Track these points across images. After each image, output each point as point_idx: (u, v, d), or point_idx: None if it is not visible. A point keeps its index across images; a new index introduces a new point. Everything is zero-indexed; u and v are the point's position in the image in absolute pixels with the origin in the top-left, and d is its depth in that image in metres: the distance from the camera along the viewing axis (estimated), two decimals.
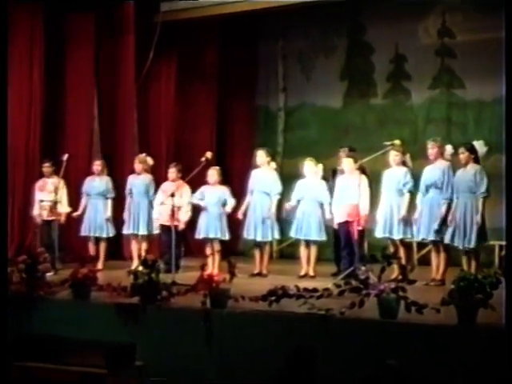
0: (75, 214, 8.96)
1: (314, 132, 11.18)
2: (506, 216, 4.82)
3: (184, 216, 8.51)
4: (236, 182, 9.19)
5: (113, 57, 10.30)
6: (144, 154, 9.09)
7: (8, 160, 9.02)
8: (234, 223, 8.60)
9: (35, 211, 8.99)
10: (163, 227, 8.57)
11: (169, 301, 6.17)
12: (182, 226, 8.45)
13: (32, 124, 9.70)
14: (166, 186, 8.64)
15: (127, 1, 10.06)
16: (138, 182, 8.89)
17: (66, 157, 8.76)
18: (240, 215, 8.37)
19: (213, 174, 8.39)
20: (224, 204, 8.43)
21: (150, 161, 9.01)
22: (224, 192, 8.44)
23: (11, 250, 9.04)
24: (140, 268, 6.33)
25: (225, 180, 8.70)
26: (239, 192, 8.61)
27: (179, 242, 8.32)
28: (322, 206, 8.26)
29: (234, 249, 9.99)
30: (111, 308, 6.23)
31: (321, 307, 5.52)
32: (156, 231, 8.83)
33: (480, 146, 7.85)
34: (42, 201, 8.89)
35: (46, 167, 9.01)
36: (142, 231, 8.80)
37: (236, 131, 11.44)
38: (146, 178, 8.90)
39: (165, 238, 8.57)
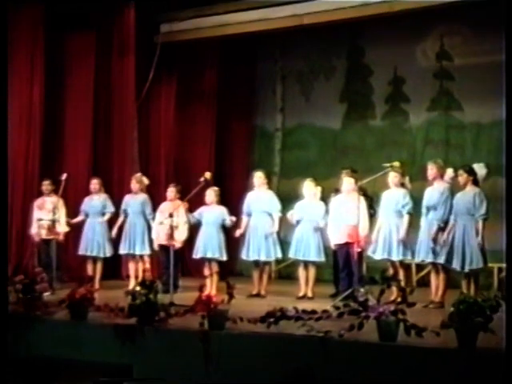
0: (73, 220, 8.87)
1: (312, 153, 11.21)
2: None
3: (181, 235, 8.47)
4: (234, 202, 9.22)
5: (113, 76, 10.38)
6: (140, 174, 9.16)
7: (8, 180, 9.20)
8: (232, 243, 8.61)
9: (33, 230, 8.98)
10: (161, 247, 8.58)
11: (166, 322, 6.11)
12: (178, 244, 8.38)
13: (31, 142, 9.74)
14: (165, 206, 8.64)
15: (128, 22, 10.16)
16: (134, 202, 8.91)
17: (64, 176, 8.79)
18: (238, 234, 8.36)
19: (210, 194, 8.37)
20: (222, 224, 8.44)
21: (145, 180, 9.02)
22: (222, 212, 8.43)
23: (9, 270, 8.90)
24: (138, 288, 6.27)
25: (222, 200, 8.71)
26: (237, 212, 8.58)
27: (177, 262, 8.31)
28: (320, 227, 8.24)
29: (232, 269, 9.98)
30: (109, 329, 6.16)
31: (319, 329, 5.47)
32: (152, 251, 8.85)
33: (480, 168, 7.78)
34: (40, 219, 8.86)
35: (46, 185, 9.00)
36: (139, 251, 8.80)
37: (234, 151, 11.50)
38: (142, 197, 8.92)
39: (163, 258, 8.58)
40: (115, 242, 9.00)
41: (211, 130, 11.26)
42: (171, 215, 7.90)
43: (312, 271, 8.21)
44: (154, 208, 8.86)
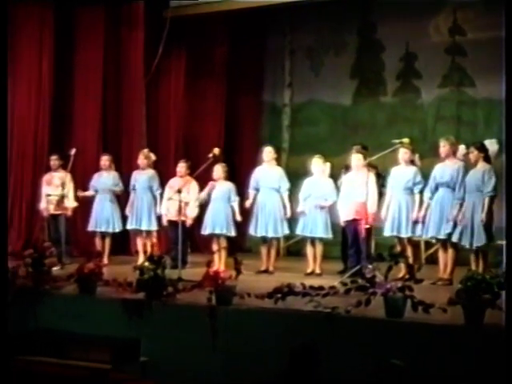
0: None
1: (322, 129, 11.13)
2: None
3: (192, 212, 8.52)
4: (243, 178, 9.20)
5: (122, 51, 10.33)
6: (147, 149, 9.10)
7: (16, 153, 9.34)
8: (243, 218, 8.55)
9: (42, 205, 8.98)
10: (170, 223, 8.58)
11: (174, 297, 6.15)
12: (189, 221, 8.45)
13: (40, 117, 9.69)
14: (174, 182, 8.64)
15: None
16: (141, 178, 8.89)
17: (73, 151, 8.76)
18: (247, 204, 8.30)
19: (218, 169, 8.36)
20: (230, 200, 8.43)
21: (152, 156, 8.99)
22: (230, 188, 8.42)
23: (18, 244, 9.22)
24: (146, 264, 6.30)
25: (232, 176, 8.70)
26: (245, 188, 8.57)
27: (186, 237, 8.32)
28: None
29: (241, 246, 10.00)
30: (117, 303, 6.20)
31: (327, 305, 5.48)
32: (159, 227, 8.85)
33: (491, 144, 7.79)
34: (48, 195, 8.87)
35: (54, 160, 9.00)
36: (145, 227, 8.79)
37: (243, 127, 11.44)
38: (149, 172, 8.89)
39: (172, 234, 8.58)
40: (126, 218, 8.98)
41: (221, 105, 11.22)
42: (179, 191, 7.89)
43: (319, 248, 8.19)
44: (163, 184, 8.84)
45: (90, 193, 9.01)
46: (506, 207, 4.87)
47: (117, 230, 8.99)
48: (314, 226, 8.17)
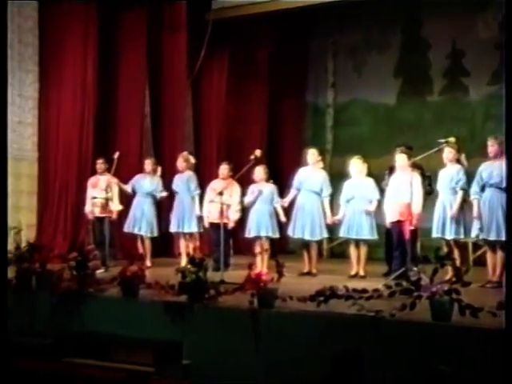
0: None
1: (365, 129, 11.04)
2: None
3: (234, 215, 8.53)
4: (286, 180, 9.15)
5: (165, 54, 10.39)
6: (186, 152, 9.14)
7: (62, 156, 9.54)
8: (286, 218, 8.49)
9: (87, 208, 9.06)
10: (212, 225, 8.58)
11: (216, 300, 6.10)
12: (231, 224, 8.48)
13: (85, 120, 9.77)
14: (216, 184, 8.66)
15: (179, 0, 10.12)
16: (181, 180, 8.94)
17: (117, 154, 8.78)
18: (285, 203, 8.26)
19: (259, 171, 8.35)
20: (273, 201, 8.42)
21: (191, 159, 9.05)
22: (273, 190, 8.40)
23: (64, 247, 9.30)
24: (188, 266, 6.26)
25: (274, 178, 8.67)
26: (288, 190, 8.54)
27: (228, 239, 8.40)
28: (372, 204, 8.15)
29: (284, 247, 9.96)
30: (159, 306, 6.18)
31: (370, 309, 5.35)
32: (201, 229, 8.90)
33: None
34: (94, 198, 8.93)
35: (100, 164, 9.05)
36: (187, 229, 8.83)
37: (286, 128, 11.44)
38: (188, 174, 8.93)
39: (214, 236, 8.55)
40: (168, 220, 9.04)
41: (263, 107, 11.23)
42: (221, 193, 7.88)
43: (363, 249, 8.10)
44: (203, 186, 8.87)
45: (127, 188, 9.00)
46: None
47: (155, 235, 9.06)
48: (359, 227, 8.09)
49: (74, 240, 9.56)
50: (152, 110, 10.30)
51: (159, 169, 9.15)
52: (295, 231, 8.27)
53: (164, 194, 9.02)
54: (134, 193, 9.06)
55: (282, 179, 9.08)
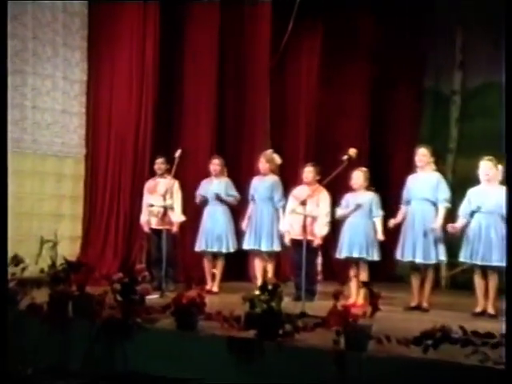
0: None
1: (502, 122, 10.50)
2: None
3: (321, 229, 8.47)
4: (394, 188, 9.09)
5: (242, 32, 10.49)
6: (271, 151, 9.13)
7: (114, 156, 9.73)
8: (388, 239, 8.42)
9: (143, 218, 9.18)
10: (294, 242, 8.52)
11: (293, 337, 5.98)
12: (317, 241, 8.42)
13: (143, 111, 9.97)
14: (299, 191, 8.61)
15: None
16: (262, 185, 8.97)
17: (178, 153, 8.76)
18: (392, 224, 8.16)
19: (358, 176, 8.31)
20: (371, 215, 8.30)
21: (277, 159, 9.04)
22: (372, 200, 8.32)
23: (114, 265, 9.48)
24: (258, 293, 6.10)
25: (378, 185, 8.58)
26: (397, 200, 8.40)
27: (314, 261, 8.43)
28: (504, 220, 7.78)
29: (389, 273, 9.92)
30: (221, 342, 6.13)
31: (498, 360, 5.09)
32: (282, 248, 8.91)
33: None
34: (151, 205, 9.03)
35: (159, 164, 9.12)
36: (265, 247, 8.81)
37: (395, 122, 11.29)
38: (271, 179, 8.94)
39: (296, 256, 8.43)
40: (242, 235, 9.11)
41: (365, 95, 11.22)
42: (304, 202, 7.75)
43: (493, 280, 7.78)
44: (287, 193, 8.87)
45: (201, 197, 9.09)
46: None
47: (231, 250, 9.06)
48: (487, 250, 7.78)
49: (127, 257, 9.73)
50: (226, 97, 10.46)
51: (225, 170, 9.27)
52: (404, 253, 8.07)
53: (232, 198, 9.07)
54: (203, 202, 9.12)
55: (388, 187, 9.05)
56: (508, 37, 5.53)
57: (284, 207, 8.78)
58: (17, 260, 7.19)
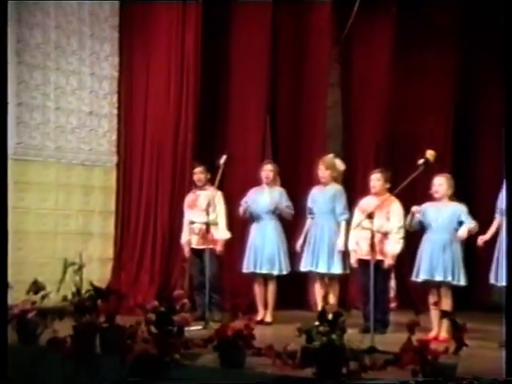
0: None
1: None
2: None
3: (393, 247, 8.36)
4: (482, 196, 9.08)
5: (298, 28, 10.51)
6: (331, 156, 9.09)
7: (149, 162, 9.87)
8: (479, 259, 8.44)
9: (184, 237, 9.25)
10: (361, 263, 8.45)
11: (359, 377, 5.90)
12: (389, 261, 8.31)
13: (183, 116, 10.02)
14: (366, 203, 8.54)
15: None
16: (321, 196, 8.93)
17: (223, 159, 8.84)
18: (480, 242, 8.00)
19: (440, 183, 8.15)
20: (456, 229, 8.10)
21: (340, 165, 9.02)
22: (457, 211, 8.14)
23: (150, 293, 9.47)
24: (316, 324, 6.06)
25: (463, 195, 8.43)
26: (487, 211, 8.28)
27: (386, 285, 8.38)
28: None
29: (482, 301, 9.90)
30: (273, 382, 6.14)
31: None
32: (345, 269, 8.87)
33: None
34: (192, 222, 9.09)
35: (199, 174, 9.16)
36: (325, 268, 8.74)
37: (489, 118, 10.98)
38: (333, 189, 8.90)
39: (364, 280, 8.35)
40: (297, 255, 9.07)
41: (451, 88, 11.07)
42: (370, 216, 7.62)
43: None
44: (351, 205, 8.85)
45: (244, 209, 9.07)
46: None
47: (283, 273, 9.00)
48: None
49: (165, 282, 9.74)
50: (280, 100, 10.51)
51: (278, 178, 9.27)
52: (499, 276, 7.88)
53: (288, 211, 9.03)
54: (247, 213, 9.10)
55: (477, 196, 9.05)
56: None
57: (348, 222, 8.75)
58: (37, 286, 7.33)
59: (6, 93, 6.72)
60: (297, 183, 9.73)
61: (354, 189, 9.48)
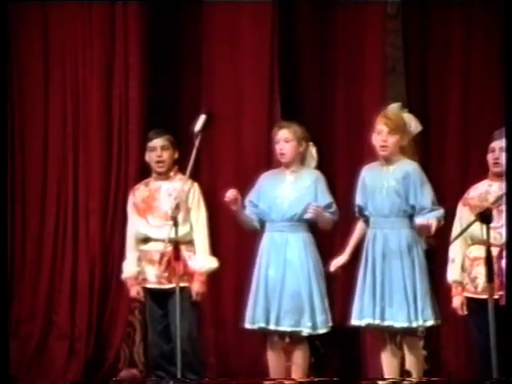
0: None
1: None
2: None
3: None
4: None
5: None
6: (399, 105, 8.83)
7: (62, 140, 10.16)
8: None
9: (129, 268, 8.52)
10: (471, 303, 8.14)
11: None
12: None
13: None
14: (484, 191, 8.05)
15: None
16: (383, 182, 8.63)
17: (201, 122, 8.00)
18: None
19: None
20: None
21: (415, 125, 8.52)
22: None
23: (71, 374, 9.25)
24: None
25: None
26: None
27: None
28: None
29: None
30: None
31: None
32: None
33: None
34: (146, 240, 8.42)
35: (158, 150, 8.52)
36: (396, 320, 8.11)
37: None
38: (405, 169, 8.61)
39: (474, 332, 8.03)
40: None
41: None
42: (487, 216, 7.00)
43: None
44: None
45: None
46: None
47: (319, 331, 8.42)
48: None
49: (98, 355, 9.37)
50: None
51: None
52: None
53: (329, 215, 8.55)
54: (260, 226, 8.70)
55: None
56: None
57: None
58: None
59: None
60: (332, 162, 9.43)
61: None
